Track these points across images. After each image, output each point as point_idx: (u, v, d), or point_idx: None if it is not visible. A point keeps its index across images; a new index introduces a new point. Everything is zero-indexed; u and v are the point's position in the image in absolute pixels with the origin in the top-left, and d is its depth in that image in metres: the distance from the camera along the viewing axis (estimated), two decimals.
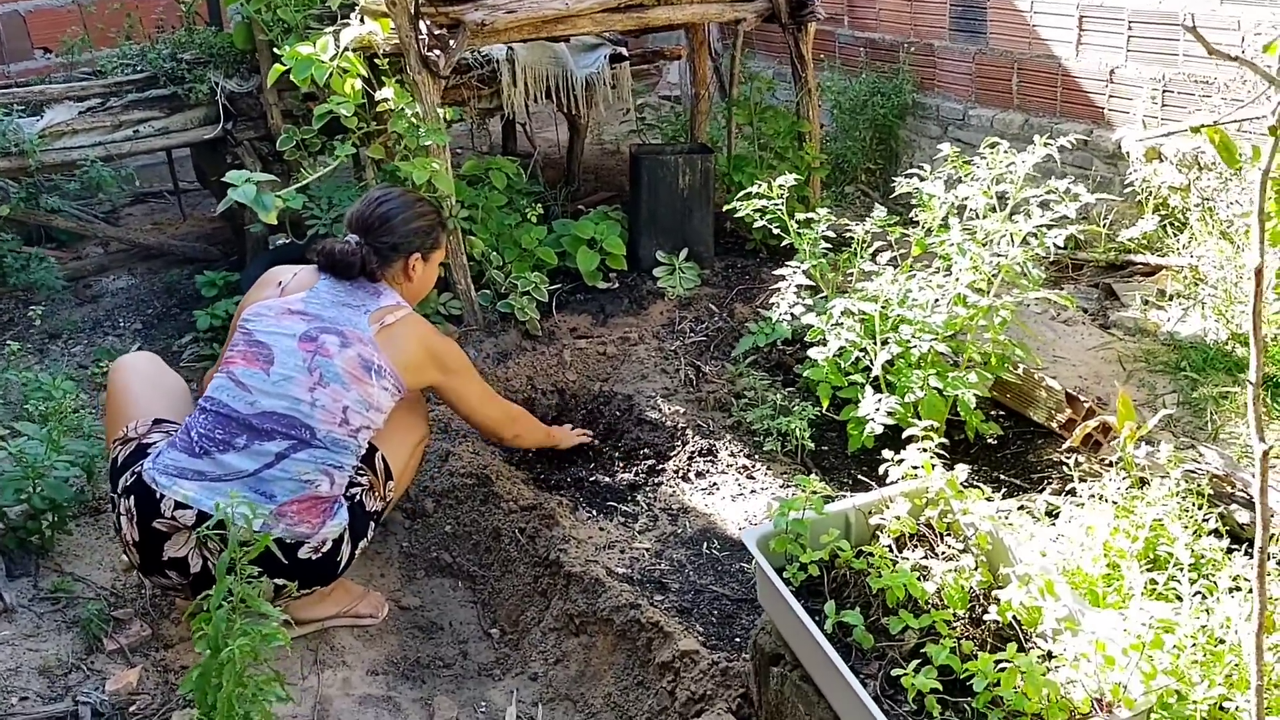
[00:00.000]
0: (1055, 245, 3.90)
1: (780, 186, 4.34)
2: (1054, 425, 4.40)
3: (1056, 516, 3.46)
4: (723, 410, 4.79)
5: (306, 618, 3.75)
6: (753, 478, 4.32)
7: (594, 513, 4.16)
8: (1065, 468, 3.93)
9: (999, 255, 4.04)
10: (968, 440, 4.44)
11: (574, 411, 4.83)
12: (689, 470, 4.38)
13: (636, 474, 4.39)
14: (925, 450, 3.09)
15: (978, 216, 4.23)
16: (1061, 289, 5.99)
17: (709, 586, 3.75)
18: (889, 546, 3.00)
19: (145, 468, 3.30)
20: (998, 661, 2.51)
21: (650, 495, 4.28)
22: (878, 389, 4.26)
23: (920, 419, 4.18)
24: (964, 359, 4.27)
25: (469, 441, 4.48)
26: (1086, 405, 4.35)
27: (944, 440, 4.44)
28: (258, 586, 2.77)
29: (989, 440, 4.47)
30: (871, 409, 4.03)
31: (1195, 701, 2.70)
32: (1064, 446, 4.19)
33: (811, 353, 4.31)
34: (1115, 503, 3.41)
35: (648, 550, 3.95)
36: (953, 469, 3.08)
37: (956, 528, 3.04)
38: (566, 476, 4.39)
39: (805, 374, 4.39)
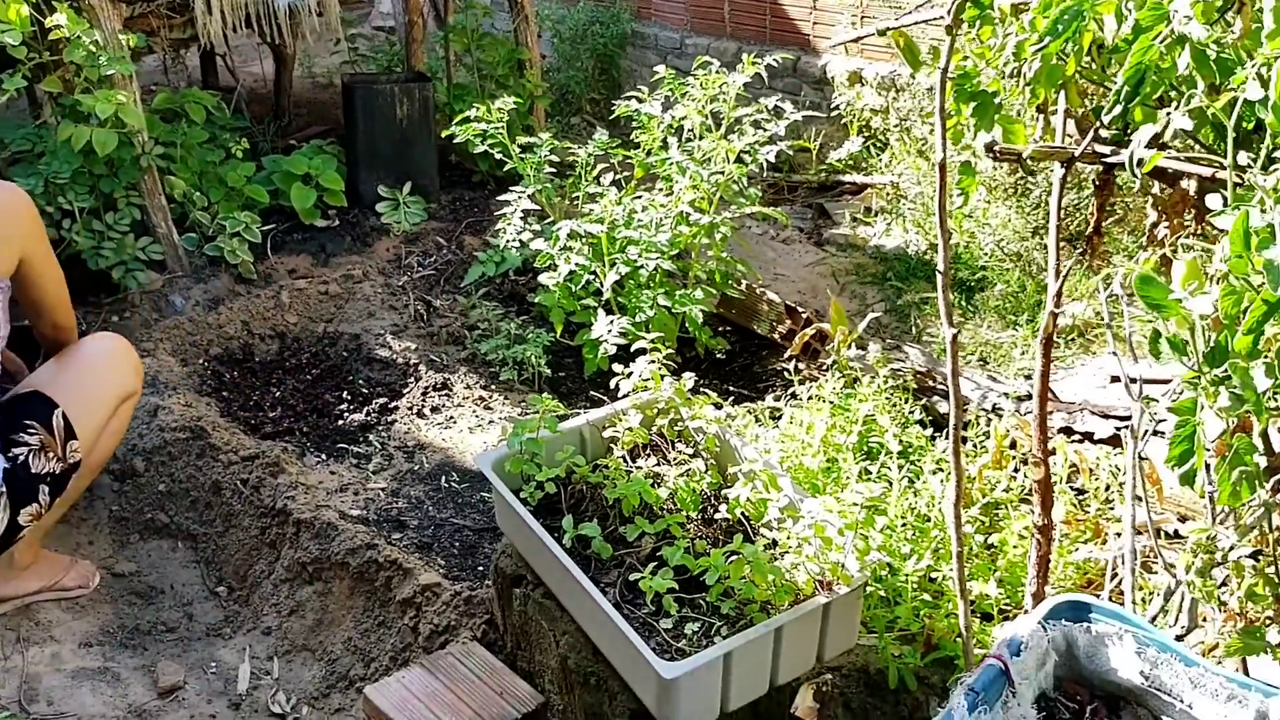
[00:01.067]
0: (768, 162, 4.01)
1: (500, 110, 4.25)
2: (776, 336, 4.57)
3: (780, 419, 3.59)
4: (456, 344, 4.69)
5: (2, 595, 3.39)
6: (490, 408, 4.26)
7: (323, 457, 3.98)
8: (787, 374, 4.09)
9: (717, 173, 4.12)
10: (698, 356, 4.55)
11: (298, 355, 4.59)
12: (423, 406, 4.26)
13: (368, 414, 4.23)
14: (654, 362, 3.12)
15: (696, 137, 4.29)
16: (782, 208, 6.23)
17: (449, 520, 3.67)
18: (623, 458, 3.02)
19: None
20: (727, 555, 2.58)
21: (384, 434, 4.13)
22: (610, 311, 4.27)
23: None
24: (690, 277, 4.35)
25: (179, 394, 4.17)
26: (805, 316, 4.54)
27: (676, 357, 4.56)
28: None
29: (718, 355, 4.60)
30: (604, 330, 4.04)
31: (906, 574, 2.89)
32: (785, 355, 4.36)
33: (542, 278, 4.27)
34: (831, 402, 3.58)
35: (383, 490, 3.82)
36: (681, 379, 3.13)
37: (687, 434, 3.10)
38: (292, 422, 4.17)
39: (537, 301, 4.35)
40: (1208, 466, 1.94)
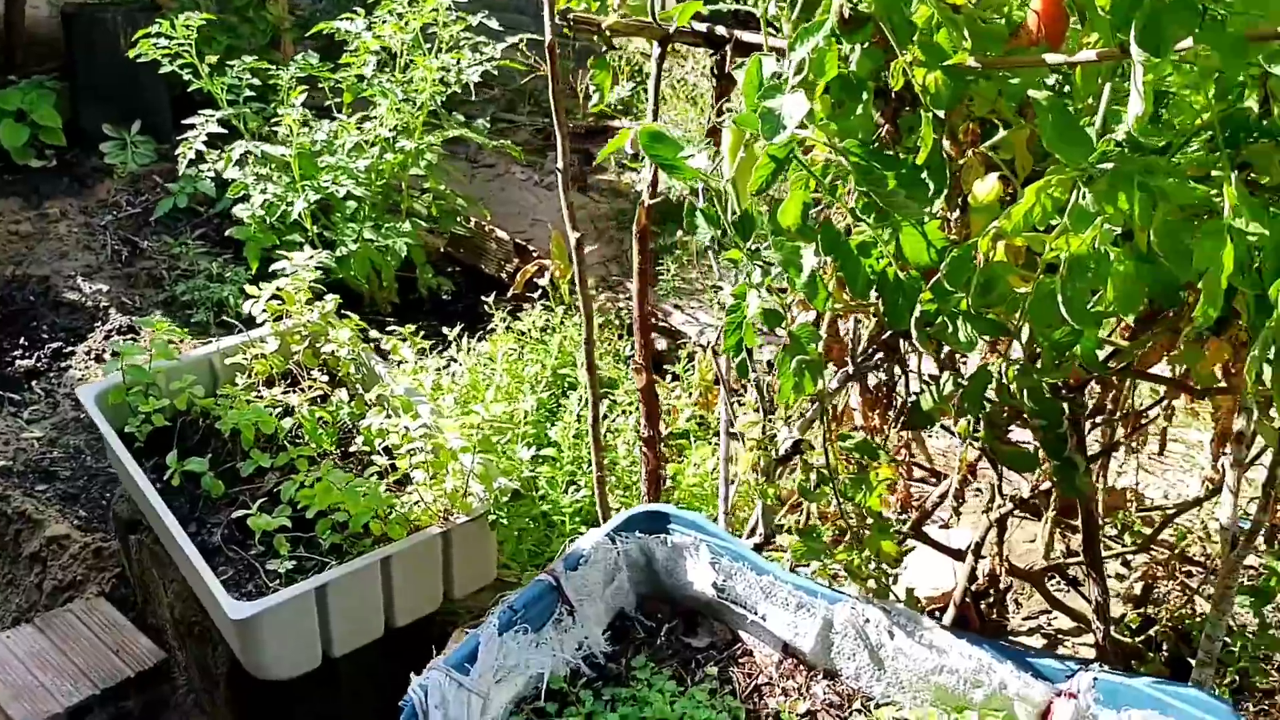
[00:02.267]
0: (540, 106, 3.77)
1: (186, 25, 3.88)
2: (504, 275, 4.35)
3: (471, 352, 3.37)
4: (156, 285, 4.32)
5: None
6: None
7: None
8: (518, 315, 3.87)
9: (416, 93, 3.86)
10: (421, 297, 4.30)
11: None
12: (104, 351, 3.89)
13: (39, 360, 3.84)
14: (294, 283, 2.85)
15: (411, 65, 4.01)
16: (546, 157, 6.01)
17: (106, 469, 3.33)
18: (256, 387, 2.75)
19: None
20: (314, 482, 2.34)
21: (54, 381, 3.76)
22: (314, 245, 3.97)
23: (356, 274, 3.97)
24: (402, 210, 4.09)
25: None
26: (534, 254, 4.33)
27: (393, 297, 4.30)
28: None
29: (444, 295, 4.35)
30: (302, 264, 3.73)
31: (565, 505, 2.70)
32: (509, 294, 4.14)
33: (236, 210, 3.94)
34: (523, 333, 3.38)
35: (39, 439, 3.45)
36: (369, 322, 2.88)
37: (332, 363, 2.84)
38: None
39: (232, 234, 4.02)
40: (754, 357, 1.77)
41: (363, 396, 2.76)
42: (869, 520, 1.76)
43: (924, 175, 1.59)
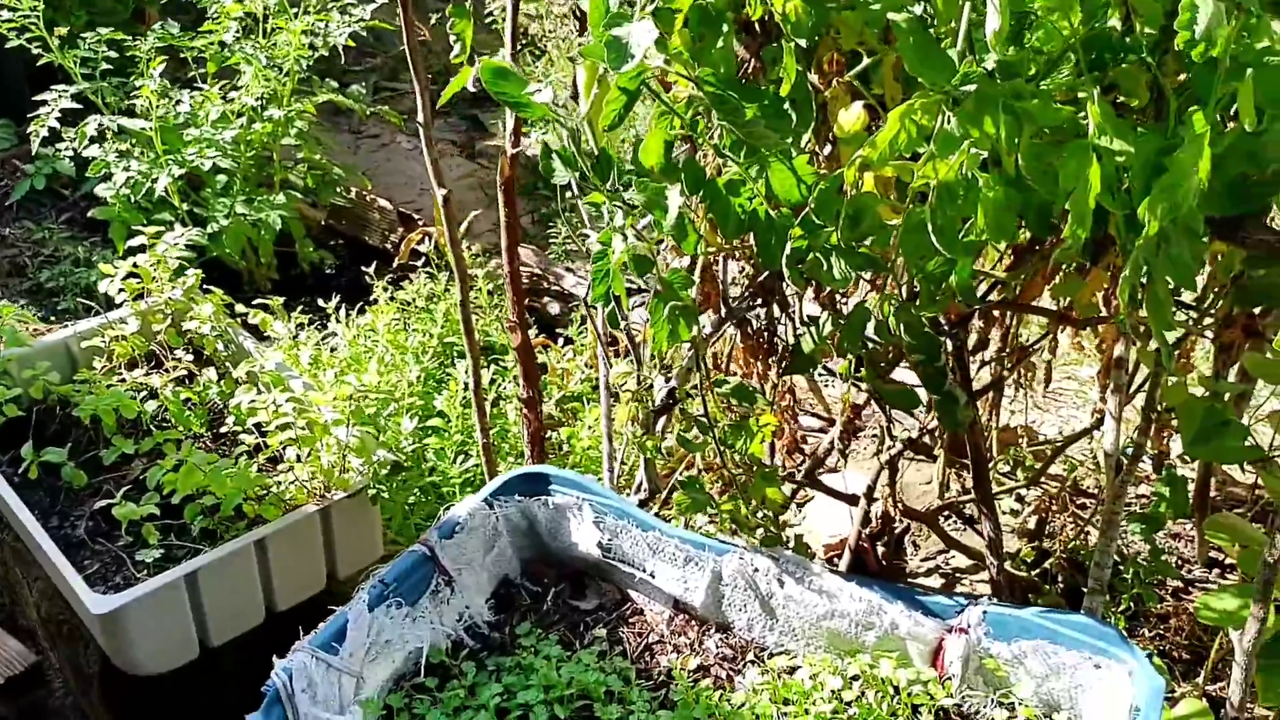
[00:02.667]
0: (340, 45, 3.62)
1: None
2: (389, 246, 4.21)
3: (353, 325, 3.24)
4: (19, 274, 4.09)
5: None
6: None
7: None
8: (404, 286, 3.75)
9: (281, 59, 3.69)
10: (304, 272, 4.14)
11: None
12: None
13: None
14: (158, 261, 2.70)
15: (276, 30, 3.83)
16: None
17: None
18: (118, 371, 2.60)
19: None
20: (176, 465, 2.22)
21: None
22: (185, 223, 3.79)
23: (231, 250, 3.80)
24: (275, 181, 3.92)
25: None
26: (420, 222, 4.19)
27: (272, 273, 4.13)
28: None
29: (327, 270, 4.20)
30: (172, 243, 3.56)
31: (454, 475, 2.62)
32: (395, 264, 4.01)
33: (100, 190, 3.74)
34: (407, 303, 3.27)
35: None
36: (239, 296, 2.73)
37: (198, 341, 2.70)
38: None
39: (96, 214, 3.81)
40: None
41: (233, 375, 2.63)
42: (753, 468, 1.71)
43: (787, 107, 1.53)
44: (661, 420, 1.81)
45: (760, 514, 1.73)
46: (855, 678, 1.69)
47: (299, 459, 2.27)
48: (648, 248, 1.63)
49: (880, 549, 2.44)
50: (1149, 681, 1.49)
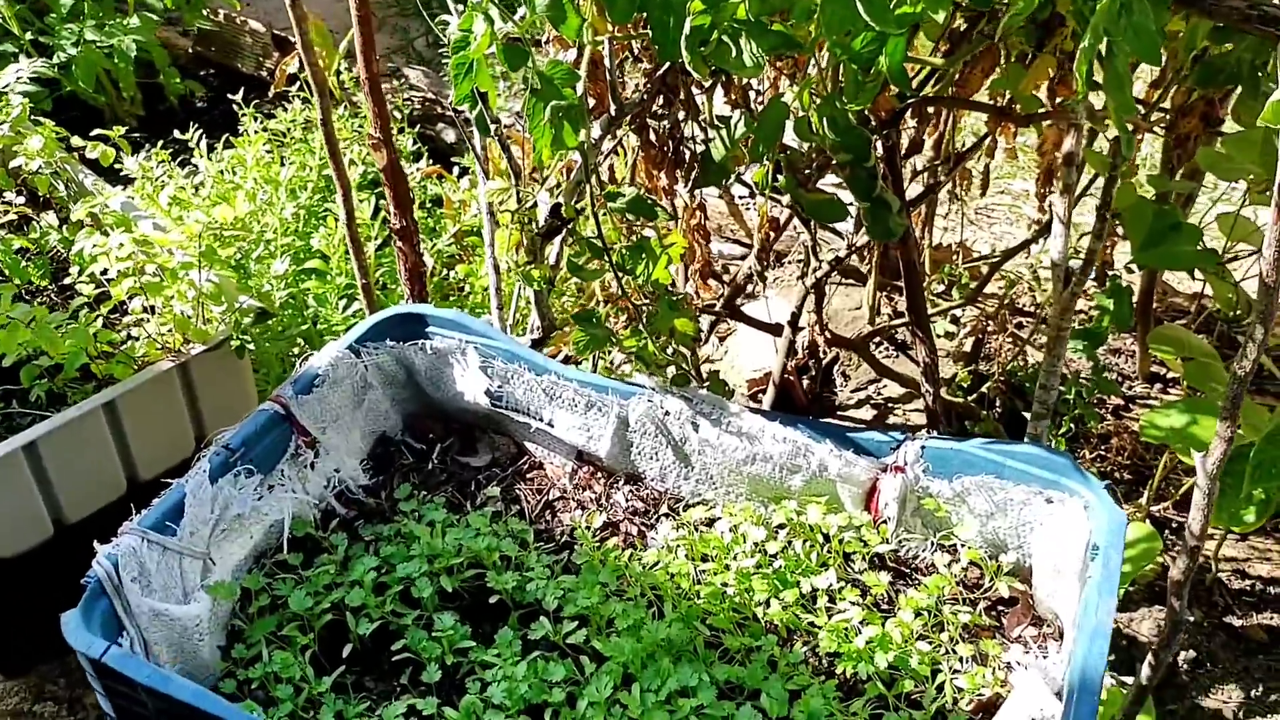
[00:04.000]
0: None
1: None
2: (265, 74, 3.80)
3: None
4: None
5: None
6: None
7: None
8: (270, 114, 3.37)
9: None
10: (172, 107, 3.73)
11: None
12: None
13: None
14: None
15: None
16: None
17: None
18: None
19: None
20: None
21: None
22: (29, 54, 3.35)
23: (84, 83, 3.38)
24: (129, 2, 3.47)
25: None
26: (295, 46, 3.78)
27: (140, 113, 3.72)
28: None
29: (198, 103, 3.79)
30: (11, 79, 3.13)
31: (335, 321, 2.35)
32: (271, 93, 3.62)
33: None
34: (282, 133, 2.92)
35: None
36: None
37: (33, 180, 2.35)
38: None
39: None
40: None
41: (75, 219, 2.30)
42: (658, 298, 1.47)
43: None
44: (555, 247, 1.55)
45: (670, 350, 1.51)
46: (780, 527, 1.50)
47: (148, 310, 1.99)
48: (520, 30, 1.34)
49: (807, 382, 2.25)
50: (1108, 516, 1.31)
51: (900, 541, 1.49)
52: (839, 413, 2.28)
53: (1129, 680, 1.68)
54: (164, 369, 1.99)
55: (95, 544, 1.27)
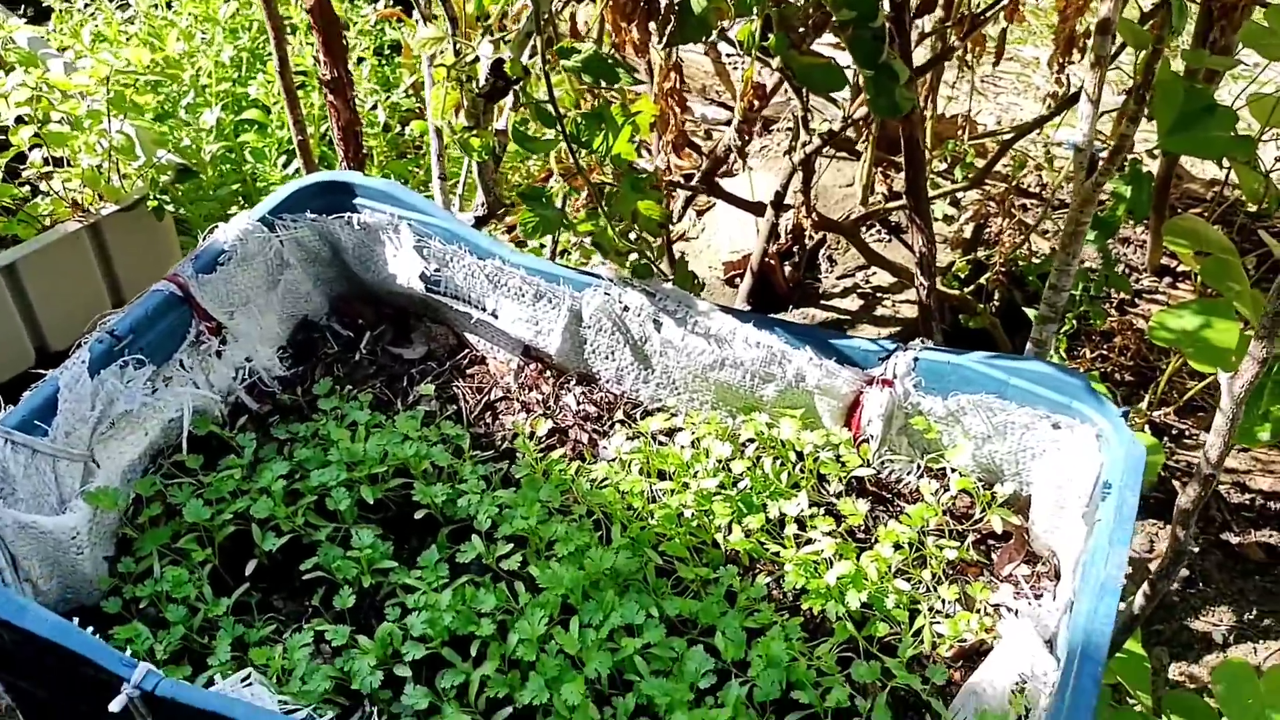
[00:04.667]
0: None
1: None
2: None
3: None
4: None
5: None
6: None
7: None
8: None
9: None
10: None
11: None
12: None
13: None
14: None
15: None
16: None
17: None
18: None
19: None
20: None
21: None
22: None
23: None
24: None
25: None
26: None
27: None
28: None
29: None
30: None
31: (257, 175, 2.13)
32: None
33: None
34: None
35: None
36: None
37: None
38: None
39: None
40: None
41: None
42: (620, 175, 1.26)
43: None
44: (505, 111, 1.33)
45: (632, 236, 1.30)
46: (749, 442, 1.33)
47: (51, 162, 1.76)
48: None
49: (789, 268, 2.05)
50: (1125, 449, 1.14)
51: (883, 464, 1.33)
52: (822, 301, 2.09)
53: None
54: (71, 230, 1.78)
55: None
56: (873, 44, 1.24)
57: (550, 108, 1.18)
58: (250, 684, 1.01)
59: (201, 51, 2.34)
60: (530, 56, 1.23)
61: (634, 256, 1.35)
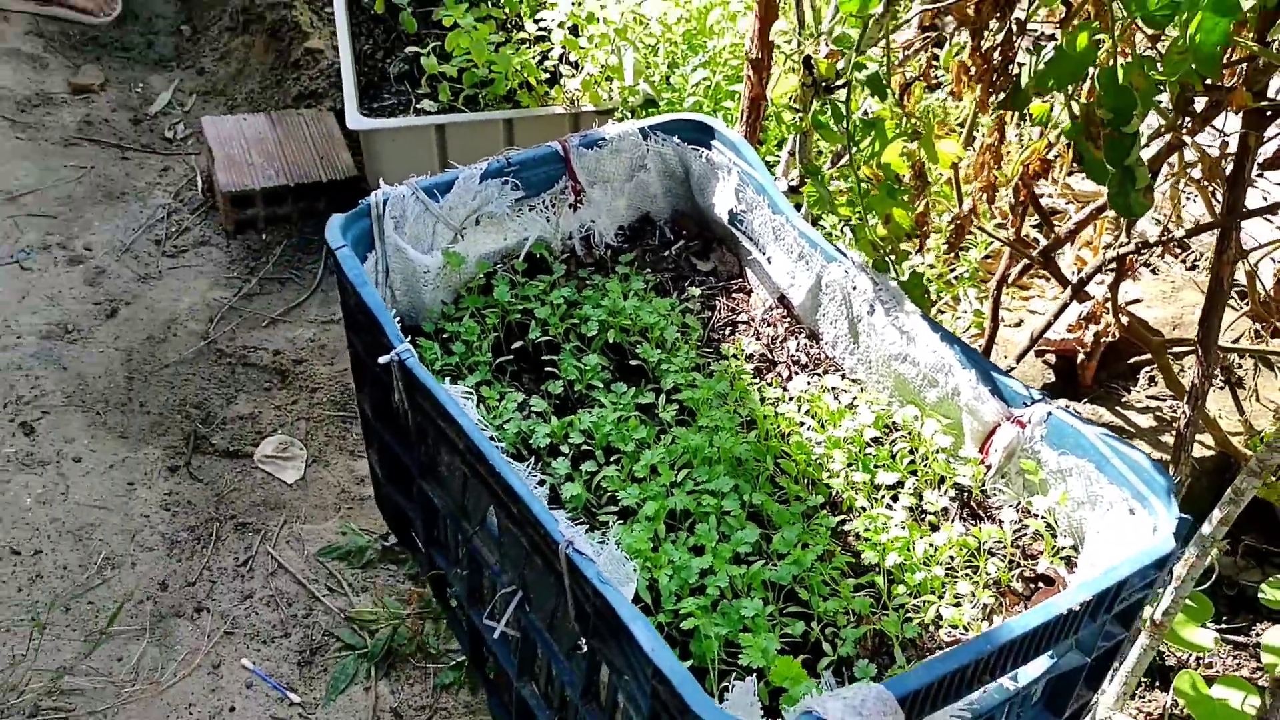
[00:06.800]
0: None
1: None
2: None
3: None
4: None
5: None
6: None
7: None
8: None
9: None
10: None
11: None
12: None
13: None
14: None
15: None
16: None
17: None
18: None
19: None
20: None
21: None
22: None
23: None
24: None
25: None
26: None
27: None
28: None
29: None
30: None
31: None
32: None
33: None
34: None
35: None
36: None
37: None
38: None
39: None
40: None
41: None
42: (881, 179, 1.57)
43: None
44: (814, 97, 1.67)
45: (882, 234, 1.60)
46: (894, 427, 1.59)
47: (566, 62, 2.37)
48: None
49: (1093, 361, 2.17)
50: (1161, 545, 1.27)
51: (992, 488, 1.52)
52: (1117, 408, 2.17)
53: None
54: (556, 112, 2.39)
55: (380, 182, 1.68)
56: (1122, 143, 1.43)
57: (842, 107, 1.52)
58: (468, 400, 1.50)
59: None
60: (842, 64, 1.57)
61: (880, 253, 1.65)
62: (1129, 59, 1.42)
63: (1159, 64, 1.41)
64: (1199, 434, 1.90)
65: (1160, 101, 1.48)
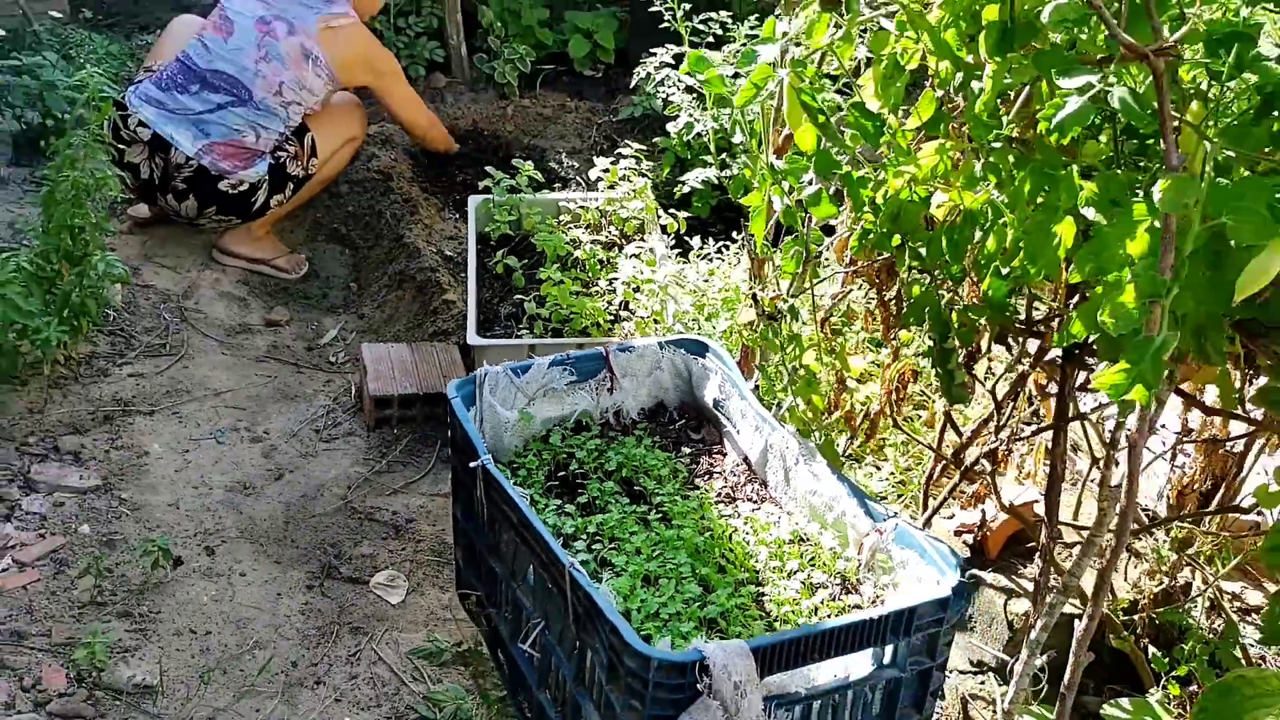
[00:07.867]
0: None
1: None
2: None
3: None
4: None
5: (233, 250, 4.85)
6: None
7: (456, 215, 5.13)
8: None
9: None
10: None
11: (489, 151, 5.75)
12: None
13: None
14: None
15: None
16: None
17: None
18: (573, 227, 3.85)
19: (128, 90, 4.41)
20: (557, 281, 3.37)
21: None
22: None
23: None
24: None
25: (390, 149, 5.49)
26: None
27: None
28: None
29: None
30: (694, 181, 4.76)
31: None
32: None
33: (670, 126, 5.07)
34: None
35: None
36: None
37: (630, 227, 3.85)
38: (452, 182, 5.36)
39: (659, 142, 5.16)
40: None
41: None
42: (801, 375, 2.41)
43: None
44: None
45: (802, 411, 2.42)
46: (802, 539, 2.35)
47: (629, 310, 3.33)
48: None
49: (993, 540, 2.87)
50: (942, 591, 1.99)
51: (863, 575, 2.25)
52: (1013, 575, 2.86)
53: None
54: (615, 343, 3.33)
55: (484, 363, 2.59)
56: (945, 355, 2.25)
57: (776, 327, 2.39)
58: (523, 499, 2.33)
59: None
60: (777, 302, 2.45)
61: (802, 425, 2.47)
62: (961, 301, 2.27)
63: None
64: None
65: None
